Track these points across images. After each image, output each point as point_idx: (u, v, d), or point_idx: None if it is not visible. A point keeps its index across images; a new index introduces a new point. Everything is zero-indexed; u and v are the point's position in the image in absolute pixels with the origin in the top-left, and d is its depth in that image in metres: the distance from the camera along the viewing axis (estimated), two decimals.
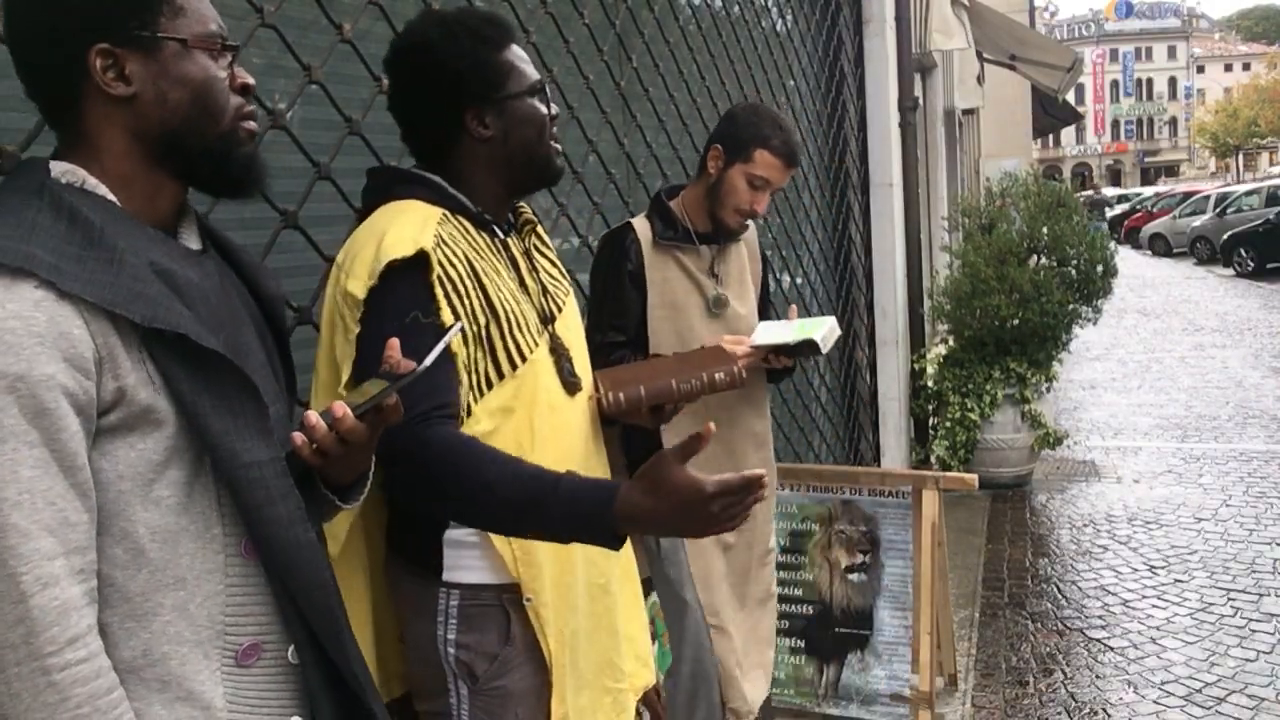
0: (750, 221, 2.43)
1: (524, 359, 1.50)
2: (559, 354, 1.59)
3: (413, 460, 1.37)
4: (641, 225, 2.31)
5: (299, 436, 1.09)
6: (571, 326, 1.68)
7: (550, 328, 1.60)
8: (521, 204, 1.69)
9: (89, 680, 0.94)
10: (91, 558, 0.98)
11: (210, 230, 1.23)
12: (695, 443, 1.28)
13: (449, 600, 1.53)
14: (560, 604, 1.55)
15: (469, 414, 1.47)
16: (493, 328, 1.48)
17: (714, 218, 2.30)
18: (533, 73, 1.59)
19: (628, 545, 1.76)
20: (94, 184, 1.07)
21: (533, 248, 1.67)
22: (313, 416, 1.10)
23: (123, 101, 1.08)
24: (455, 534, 1.52)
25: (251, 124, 1.17)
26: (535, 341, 1.54)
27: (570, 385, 1.59)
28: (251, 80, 1.17)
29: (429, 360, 1.13)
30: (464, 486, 1.36)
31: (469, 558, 1.53)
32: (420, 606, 1.55)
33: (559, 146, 1.64)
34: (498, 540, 1.49)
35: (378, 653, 1.61)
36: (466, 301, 1.45)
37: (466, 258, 1.48)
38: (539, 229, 1.71)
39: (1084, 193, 29.48)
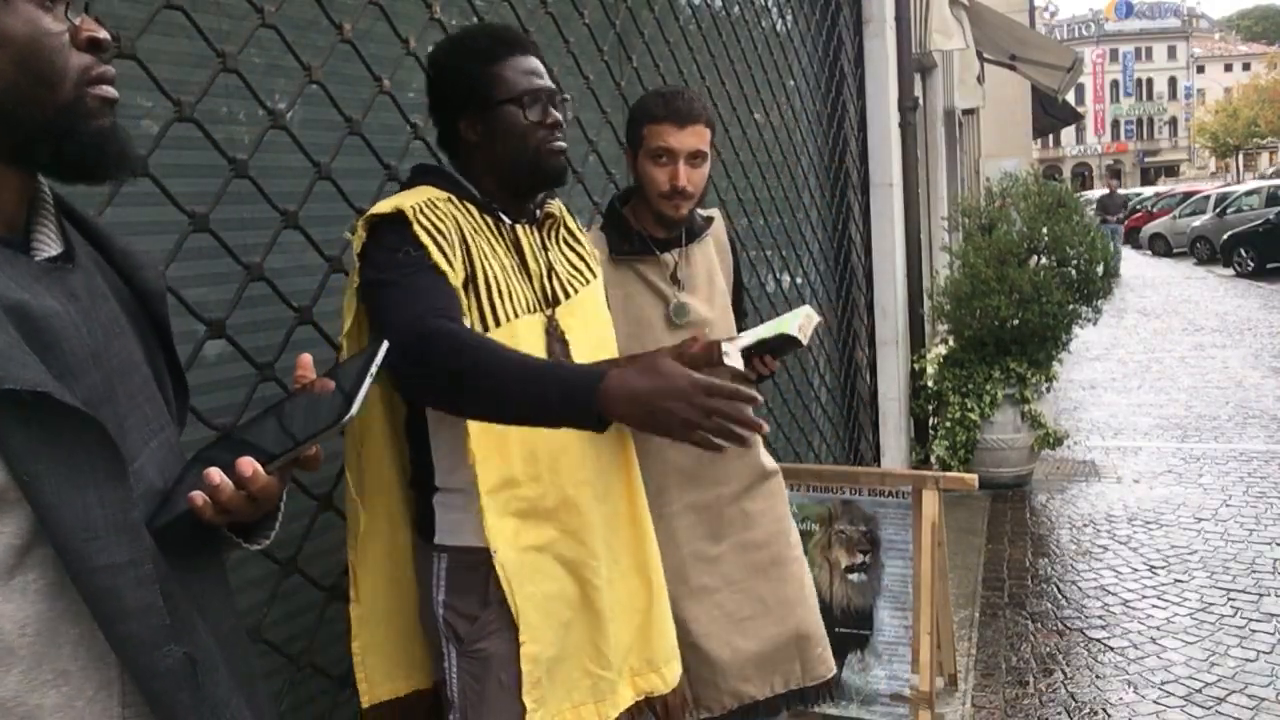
0: (716, 213, 2.38)
1: (498, 323, 1.59)
2: (552, 335, 1.66)
3: (417, 353, 1.41)
4: (596, 239, 2.20)
5: (199, 496, 0.92)
6: (582, 314, 1.75)
7: (550, 310, 1.68)
8: (550, 201, 1.79)
9: None
10: None
11: (77, 218, 1.03)
12: (689, 344, 1.50)
13: (440, 563, 1.62)
14: (528, 564, 1.58)
15: None
16: (469, 285, 1.58)
17: (656, 216, 2.18)
18: (523, 83, 1.68)
19: (652, 539, 1.81)
20: None
21: (555, 240, 1.77)
22: (216, 475, 0.92)
23: None
24: (442, 497, 1.61)
25: (105, 89, 0.94)
26: (515, 312, 1.61)
27: None
28: (103, 34, 0.94)
29: (354, 409, 0.96)
30: (468, 367, 1.40)
31: (454, 521, 1.60)
32: (424, 572, 1.64)
33: (557, 147, 1.70)
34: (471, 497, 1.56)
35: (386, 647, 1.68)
36: (451, 249, 1.56)
37: (455, 220, 1.60)
38: (567, 223, 1.82)
39: (1088, 192, 27.29)
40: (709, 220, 2.34)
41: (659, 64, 3.21)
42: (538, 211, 1.75)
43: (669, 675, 1.80)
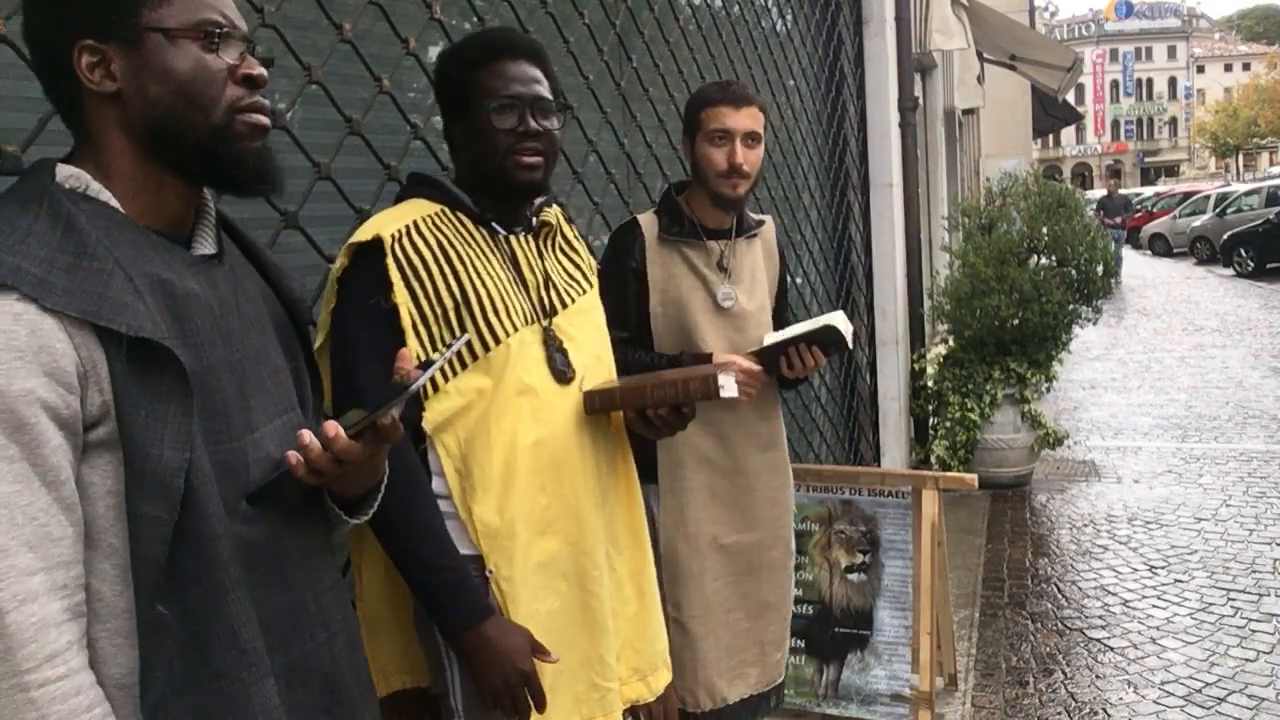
0: (769, 219, 2.46)
1: (497, 341, 1.57)
2: (550, 345, 1.64)
3: None
4: (648, 221, 2.31)
5: (294, 455, 1.08)
6: (581, 322, 1.72)
7: (549, 320, 1.65)
8: (547, 209, 1.73)
9: (68, 698, 0.92)
10: (77, 572, 0.96)
11: (235, 230, 1.22)
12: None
13: None
14: (533, 582, 1.57)
15: (436, 390, 1.55)
16: (462, 310, 1.55)
17: (713, 198, 2.26)
18: (501, 88, 1.61)
19: (648, 550, 1.80)
20: (97, 189, 1.05)
21: (551, 249, 1.73)
22: (306, 435, 1.08)
23: (111, 98, 1.06)
24: (439, 504, 1.57)
25: (256, 117, 1.12)
26: (514, 326, 1.59)
27: (560, 375, 1.64)
28: (259, 71, 1.12)
29: (424, 377, 1.12)
30: (393, 500, 1.41)
31: (451, 529, 1.56)
32: None
33: (526, 161, 1.62)
34: (461, 509, 1.55)
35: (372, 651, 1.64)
36: (429, 284, 1.54)
37: (441, 245, 1.57)
38: (564, 231, 1.79)
39: (1088, 192, 25.68)
40: (761, 223, 2.42)
41: (659, 64, 3.21)
42: (534, 219, 1.71)
43: (654, 683, 1.79)
